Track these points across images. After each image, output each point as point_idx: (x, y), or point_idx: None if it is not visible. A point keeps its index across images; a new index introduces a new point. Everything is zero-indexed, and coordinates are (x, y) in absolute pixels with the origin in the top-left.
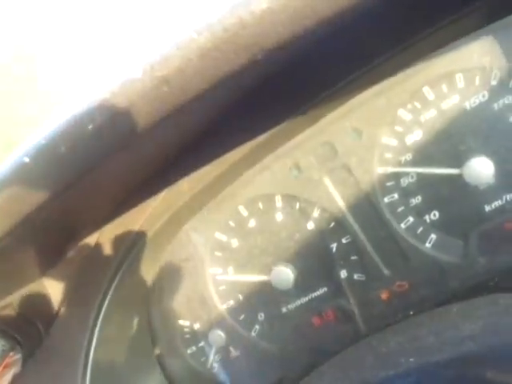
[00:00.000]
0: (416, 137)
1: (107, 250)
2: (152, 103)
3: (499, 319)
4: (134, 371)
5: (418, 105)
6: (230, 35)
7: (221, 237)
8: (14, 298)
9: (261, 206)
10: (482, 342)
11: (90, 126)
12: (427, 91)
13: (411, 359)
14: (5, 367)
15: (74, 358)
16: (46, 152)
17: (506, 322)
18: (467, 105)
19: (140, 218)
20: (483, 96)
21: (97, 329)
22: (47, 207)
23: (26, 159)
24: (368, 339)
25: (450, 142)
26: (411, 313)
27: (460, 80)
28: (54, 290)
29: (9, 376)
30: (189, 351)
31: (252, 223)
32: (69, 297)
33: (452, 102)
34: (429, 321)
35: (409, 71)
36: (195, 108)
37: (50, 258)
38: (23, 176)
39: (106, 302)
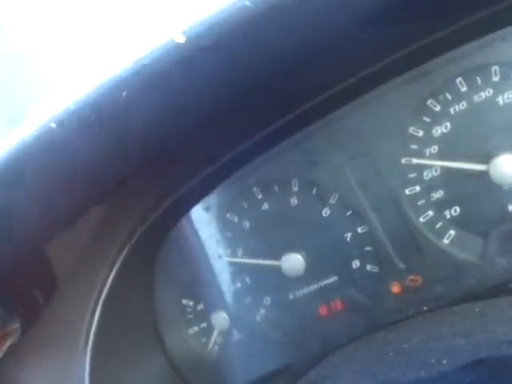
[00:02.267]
0: (444, 129)
1: (116, 223)
2: (191, 70)
3: None
4: (135, 349)
5: (449, 96)
6: None
7: (232, 217)
8: (15, 267)
9: (276, 188)
10: None
11: (124, 94)
12: (460, 82)
13: (443, 361)
14: (2, 337)
15: (74, 333)
16: (75, 119)
17: None
18: (500, 99)
19: (152, 193)
20: None
21: (100, 304)
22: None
23: (53, 125)
24: (382, 333)
25: (479, 137)
26: (425, 308)
27: (496, 73)
28: (56, 261)
29: (5, 346)
30: (190, 331)
31: (266, 206)
32: (72, 269)
33: (485, 96)
34: (450, 319)
35: (443, 60)
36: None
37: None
38: (49, 142)
39: (111, 277)
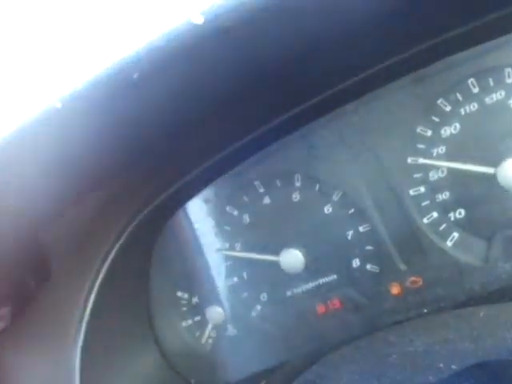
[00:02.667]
0: (453, 130)
1: (112, 213)
2: (210, 51)
3: None
4: (127, 340)
5: (460, 96)
6: None
7: (232, 210)
8: (8, 252)
9: (278, 183)
10: None
11: (136, 75)
12: (472, 83)
13: (453, 366)
14: None
15: (66, 322)
16: (81, 99)
17: None
18: None
19: (150, 183)
20: None
21: (93, 294)
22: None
23: (58, 104)
24: (383, 334)
25: (488, 140)
26: (425, 311)
27: (509, 75)
28: (50, 249)
29: None
30: (184, 324)
31: (267, 200)
32: (66, 258)
33: (497, 98)
34: (455, 323)
35: (456, 60)
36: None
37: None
38: (53, 122)
39: (106, 267)
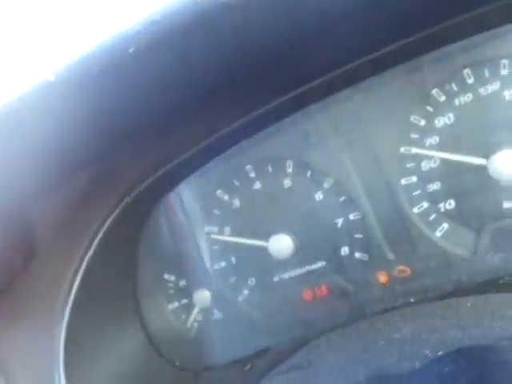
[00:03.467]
0: (447, 120)
1: (101, 192)
2: (204, 31)
3: None
4: (112, 320)
5: (455, 87)
6: None
7: (222, 195)
8: None
9: (270, 168)
10: None
11: (132, 49)
12: (467, 74)
13: (439, 352)
14: None
15: (51, 301)
16: (76, 71)
17: None
18: (507, 94)
19: (140, 165)
20: None
21: (79, 273)
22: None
23: (52, 77)
24: (370, 321)
25: (481, 131)
26: (412, 300)
27: (504, 67)
28: (37, 227)
29: None
30: (170, 307)
31: (258, 185)
32: (53, 237)
33: (491, 89)
34: (442, 312)
35: (452, 50)
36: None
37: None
38: (46, 94)
39: (93, 247)
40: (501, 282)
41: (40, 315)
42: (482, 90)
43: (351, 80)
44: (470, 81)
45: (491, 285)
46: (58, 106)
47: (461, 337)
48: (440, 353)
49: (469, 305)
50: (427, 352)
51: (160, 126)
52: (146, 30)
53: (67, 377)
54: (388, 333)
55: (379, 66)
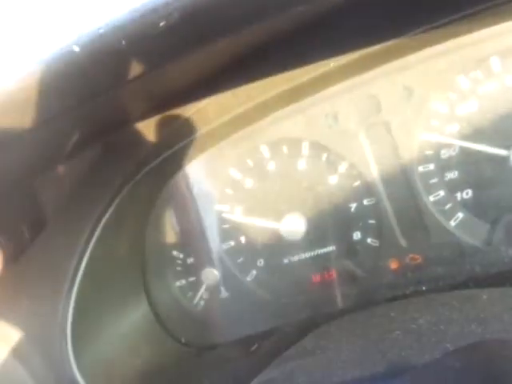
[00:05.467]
0: (469, 108)
1: (112, 166)
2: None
3: None
4: (120, 296)
5: (480, 74)
6: None
7: (235, 174)
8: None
9: (285, 150)
10: None
11: (163, 23)
12: (495, 62)
13: (461, 345)
14: None
15: (60, 274)
16: (103, 44)
17: None
18: None
19: (153, 140)
20: None
21: (90, 246)
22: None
23: (76, 48)
24: (383, 309)
25: (504, 122)
26: (423, 288)
27: None
28: (46, 199)
29: None
30: (177, 283)
31: (272, 166)
32: (62, 209)
33: None
34: (458, 304)
35: (479, 36)
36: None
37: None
38: (70, 67)
39: (103, 220)
40: None
41: (47, 288)
42: (507, 80)
43: (374, 63)
44: (497, 69)
45: (504, 277)
46: (80, 78)
47: (481, 331)
48: (462, 346)
49: (485, 297)
50: (447, 345)
51: (176, 102)
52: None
53: (74, 348)
54: (403, 322)
55: (404, 50)
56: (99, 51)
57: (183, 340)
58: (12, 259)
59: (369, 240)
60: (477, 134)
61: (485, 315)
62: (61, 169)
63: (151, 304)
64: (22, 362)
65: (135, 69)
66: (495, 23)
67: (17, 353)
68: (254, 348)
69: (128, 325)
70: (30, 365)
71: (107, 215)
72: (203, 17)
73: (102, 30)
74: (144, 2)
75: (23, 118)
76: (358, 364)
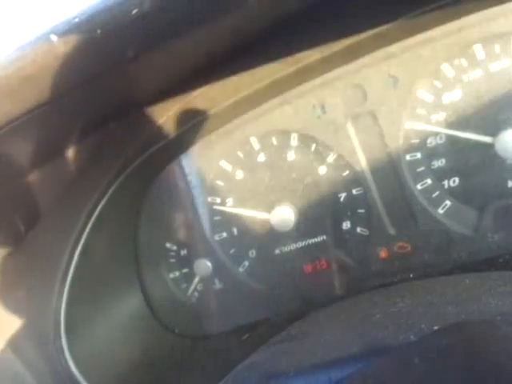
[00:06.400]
0: (454, 96)
1: (105, 159)
2: None
3: None
4: (114, 287)
5: (464, 62)
6: None
7: (226, 166)
8: None
9: (275, 141)
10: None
11: (135, 11)
12: (478, 49)
13: (435, 327)
14: None
15: (54, 265)
16: (79, 32)
17: None
18: None
19: (143, 133)
20: None
21: (82, 239)
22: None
23: (54, 37)
24: (368, 295)
25: (489, 109)
26: (411, 276)
27: None
28: (40, 191)
29: None
30: (171, 275)
31: (262, 157)
32: (56, 201)
33: (502, 66)
34: (439, 288)
35: (463, 24)
36: None
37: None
38: (47, 56)
39: (96, 212)
40: (501, 260)
41: (41, 280)
42: (491, 67)
43: (358, 53)
44: (481, 56)
45: (491, 263)
46: (59, 67)
47: (457, 312)
48: (436, 327)
49: (467, 281)
50: (423, 326)
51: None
52: None
53: (68, 340)
54: (384, 306)
55: (388, 39)
56: (76, 40)
57: (177, 331)
58: (7, 252)
59: (358, 229)
60: (462, 122)
61: (463, 298)
62: (54, 162)
63: (145, 296)
64: (18, 355)
65: (112, 58)
66: (478, 10)
67: (13, 346)
68: (245, 337)
69: (122, 316)
70: (26, 358)
71: (99, 208)
72: (175, 5)
73: (77, 19)
74: None
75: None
76: (337, 346)
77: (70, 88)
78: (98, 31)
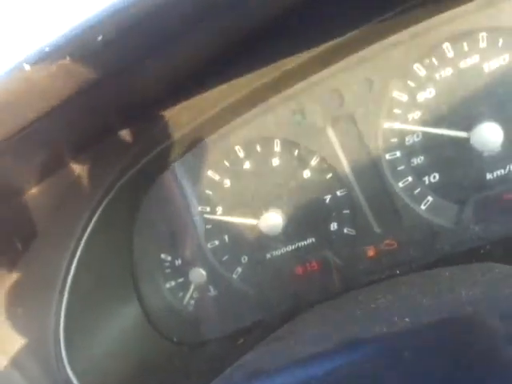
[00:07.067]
0: (428, 94)
1: (96, 174)
2: (168, 18)
3: (497, 288)
4: (111, 299)
5: (435, 61)
6: None
7: (213, 175)
8: None
9: (258, 148)
10: (481, 309)
11: (100, 38)
12: (447, 48)
13: (406, 319)
14: None
15: (51, 280)
16: (50, 61)
17: (506, 291)
18: (486, 67)
19: (131, 148)
20: (504, 59)
21: (78, 252)
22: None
23: (27, 66)
24: (353, 293)
25: (462, 104)
26: (397, 272)
27: (483, 40)
28: (35, 206)
29: None
30: (167, 285)
31: (247, 165)
32: (51, 216)
33: (471, 62)
34: (420, 282)
35: (430, 24)
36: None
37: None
38: (21, 84)
39: (90, 227)
40: (482, 251)
41: (40, 296)
42: (461, 64)
43: (332, 58)
44: (450, 55)
45: (473, 254)
46: (31, 93)
47: (432, 303)
48: (407, 319)
49: (447, 274)
50: (395, 318)
51: (153, 107)
52: (109, 17)
53: (68, 353)
54: (366, 303)
55: (361, 43)
56: (47, 67)
57: (175, 339)
58: (6, 270)
59: (345, 230)
60: (438, 119)
61: (439, 289)
62: (47, 178)
63: (142, 306)
64: (19, 369)
65: (83, 81)
66: (445, 10)
67: (14, 360)
68: (240, 342)
69: (120, 327)
70: (27, 371)
71: (93, 223)
72: (138, 30)
73: (47, 49)
74: (81, 20)
75: None
76: (314, 342)
77: (46, 112)
78: (67, 58)
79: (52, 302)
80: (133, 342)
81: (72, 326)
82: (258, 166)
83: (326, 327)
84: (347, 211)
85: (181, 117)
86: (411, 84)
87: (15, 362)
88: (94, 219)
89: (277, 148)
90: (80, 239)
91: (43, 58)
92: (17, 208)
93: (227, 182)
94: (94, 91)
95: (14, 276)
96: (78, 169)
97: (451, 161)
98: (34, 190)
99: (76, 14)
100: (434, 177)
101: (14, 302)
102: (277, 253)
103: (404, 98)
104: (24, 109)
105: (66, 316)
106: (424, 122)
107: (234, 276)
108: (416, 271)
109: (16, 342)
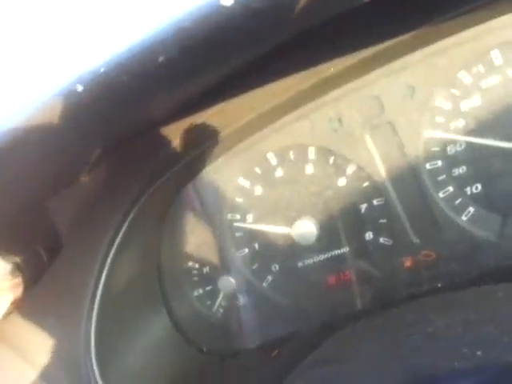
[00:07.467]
0: (473, 103)
1: (123, 183)
2: (236, 37)
3: None
4: (140, 310)
5: (482, 69)
6: None
7: (244, 183)
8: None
9: (292, 156)
10: None
11: (161, 58)
12: (495, 55)
13: (478, 352)
14: (2, 289)
15: (80, 293)
16: (105, 81)
17: None
18: None
19: (162, 154)
20: None
21: (107, 264)
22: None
23: (80, 87)
24: (399, 311)
25: (509, 114)
26: (439, 285)
27: None
28: (60, 219)
29: (7, 299)
30: (195, 293)
31: (280, 173)
32: (77, 227)
33: None
34: (474, 302)
35: (478, 31)
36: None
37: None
38: (74, 107)
39: (119, 237)
40: None
41: (69, 309)
42: (510, 72)
43: (374, 64)
44: (498, 62)
45: None
46: (84, 116)
47: (498, 334)
48: (478, 352)
49: (500, 294)
50: (465, 350)
51: (180, 116)
52: (172, 37)
53: (99, 366)
54: (420, 326)
55: (404, 49)
56: (102, 89)
57: (205, 349)
58: (32, 282)
59: (381, 239)
60: (482, 128)
61: (500, 315)
62: (73, 188)
63: (171, 315)
64: (48, 382)
65: (137, 101)
66: (494, 17)
67: (44, 375)
68: (274, 353)
69: (150, 338)
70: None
71: (121, 233)
72: (202, 48)
73: (103, 69)
74: (142, 38)
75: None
76: (377, 374)
77: (92, 136)
78: (125, 78)
79: (81, 315)
80: (163, 352)
81: (102, 339)
82: (291, 174)
83: (382, 353)
84: (384, 220)
85: (211, 123)
86: (455, 92)
87: (45, 377)
88: (122, 230)
89: (311, 155)
90: (108, 251)
91: (98, 79)
92: (40, 217)
93: (258, 190)
94: (142, 112)
95: (41, 288)
96: (103, 177)
97: (495, 171)
98: (56, 198)
99: (134, 32)
100: (477, 187)
101: (42, 313)
102: (309, 261)
103: (447, 106)
104: (68, 132)
105: (96, 328)
106: (468, 132)
107: (265, 285)
108: (459, 285)
109: (45, 355)
